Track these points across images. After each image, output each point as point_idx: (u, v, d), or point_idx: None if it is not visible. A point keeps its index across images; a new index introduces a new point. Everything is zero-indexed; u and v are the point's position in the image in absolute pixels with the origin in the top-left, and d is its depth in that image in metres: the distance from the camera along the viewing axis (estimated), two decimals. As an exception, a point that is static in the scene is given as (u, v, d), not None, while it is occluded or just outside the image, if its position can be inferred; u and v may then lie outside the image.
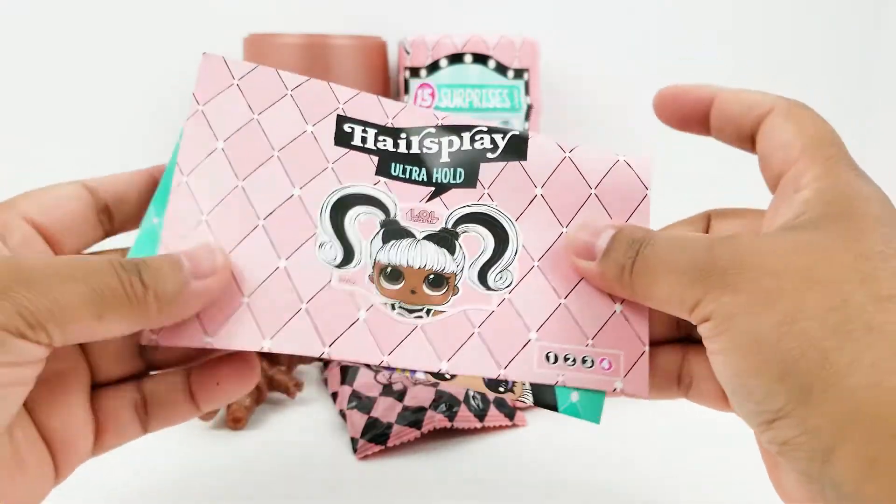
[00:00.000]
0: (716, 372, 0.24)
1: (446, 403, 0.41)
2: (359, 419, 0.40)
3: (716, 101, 0.28)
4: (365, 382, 0.43)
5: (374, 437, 0.38)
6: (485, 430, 0.41)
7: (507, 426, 0.42)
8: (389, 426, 0.39)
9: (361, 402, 0.42)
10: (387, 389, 0.43)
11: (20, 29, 0.60)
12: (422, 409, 0.40)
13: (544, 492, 0.35)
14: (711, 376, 0.27)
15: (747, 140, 0.28)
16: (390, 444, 0.38)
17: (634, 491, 0.34)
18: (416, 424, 0.39)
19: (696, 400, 0.30)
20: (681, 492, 0.34)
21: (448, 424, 0.39)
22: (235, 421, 0.41)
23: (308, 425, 0.42)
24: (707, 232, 0.29)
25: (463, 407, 0.40)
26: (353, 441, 0.39)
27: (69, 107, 0.61)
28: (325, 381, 0.48)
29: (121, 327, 0.23)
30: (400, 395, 0.42)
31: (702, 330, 0.24)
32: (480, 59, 0.52)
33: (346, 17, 0.59)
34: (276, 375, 0.45)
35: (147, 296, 0.23)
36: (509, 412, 0.42)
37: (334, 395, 0.45)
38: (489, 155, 0.30)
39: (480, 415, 0.41)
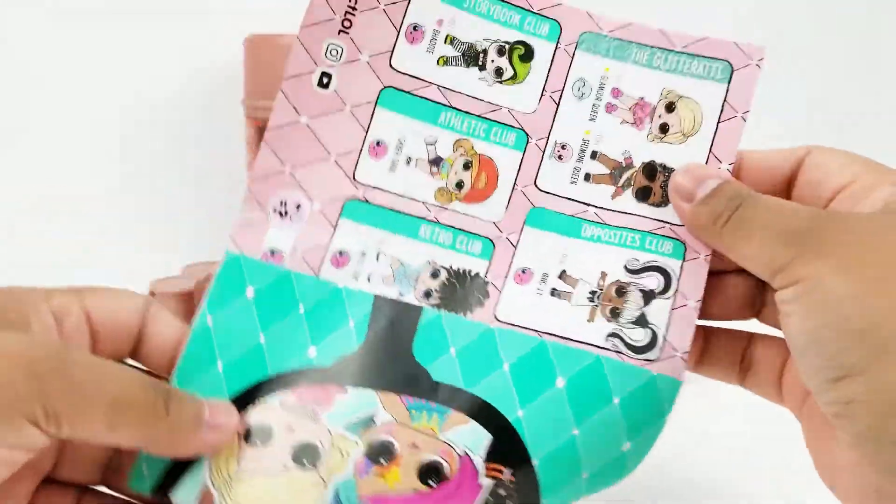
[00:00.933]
0: (788, 333, 0.24)
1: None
2: None
3: (744, 161, 0.30)
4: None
5: None
6: None
7: None
8: None
9: None
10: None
11: (19, 26, 0.60)
12: None
13: None
14: (772, 363, 0.29)
15: (782, 188, 0.29)
16: None
17: (635, 491, 0.33)
18: None
19: (751, 387, 0.30)
20: (680, 492, 0.34)
21: None
22: None
23: None
24: (798, 167, 0.29)
25: None
26: None
27: (68, 106, 0.61)
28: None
29: (125, 440, 0.23)
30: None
31: (783, 294, 0.24)
32: (482, 59, 0.51)
33: None
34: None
35: (163, 423, 0.23)
36: None
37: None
38: None
39: None
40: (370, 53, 0.31)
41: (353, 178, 0.30)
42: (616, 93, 0.31)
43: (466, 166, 0.31)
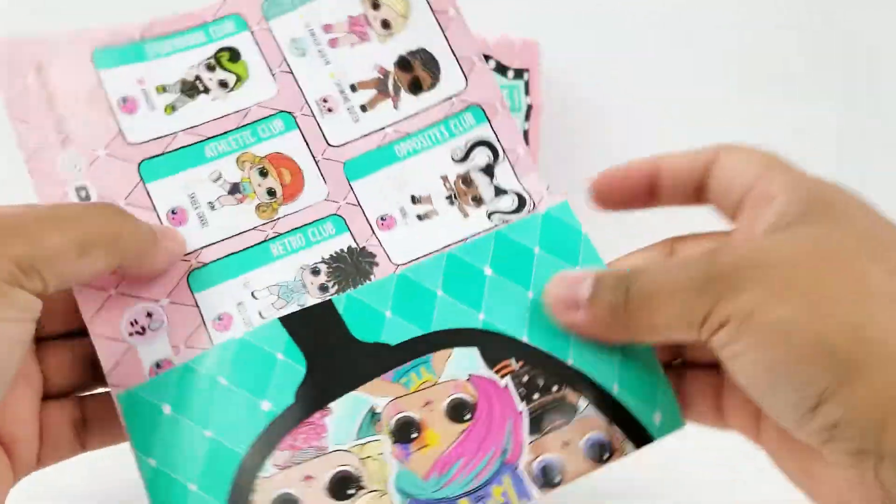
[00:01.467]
0: (739, 376, 0.23)
1: None
2: None
3: (662, 168, 0.28)
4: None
5: None
6: None
7: None
8: None
9: None
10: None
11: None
12: None
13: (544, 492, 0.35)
14: (706, 393, 0.28)
15: (697, 192, 0.28)
16: None
17: (634, 490, 0.35)
18: None
19: (694, 421, 0.29)
20: (681, 490, 0.35)
21: None
22: None
23: None
24: (708, 172, 0.28)
25: None
26: None
27: None
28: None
29: (102, 262, 0.24)
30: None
31: (717, 340, 0.23)
32: (480, 59, 0.50)
33: None
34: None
35: (123, 235, 0.25)
36: None
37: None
38: None
39: None
40: (103, 146, 0.29)
41: None
42: (327, 28, 0.32)
43: (263, 173, 0.30)
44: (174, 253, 0.28)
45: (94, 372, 0.28)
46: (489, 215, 0.30)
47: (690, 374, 0.29)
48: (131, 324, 0.27)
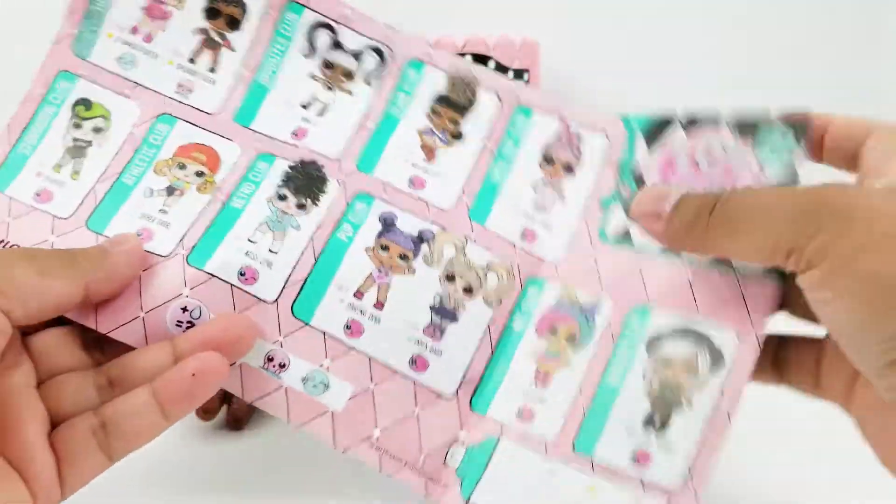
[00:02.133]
0: (828, 320, 0.23)
1: None
2: None
3: (829, 129, 0.29)
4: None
5: None
6: None
7: None
8: None
9: None
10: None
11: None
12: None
13: None
14: (805, 359, 0.28)
15: (852, 160, 0.28)
16: None
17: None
18: None
19: (790, 385, 0.29)
20: None
21: None
22: (236, 421, 0.41)
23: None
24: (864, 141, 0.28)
25: None
26: None
27: None
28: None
29: (62, 281, 0.27)
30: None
31: (809, 278, 0.23)
32: (480, 59, 0.51)
33: None
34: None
35: (80, 257, 0.28)
36: None
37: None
38: None
39: None
40: (52, 235, 0.32)
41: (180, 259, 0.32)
42: (134, 30, 0.35)
43: (181, 166, 0.33)
44: (130, 252, 0.30)
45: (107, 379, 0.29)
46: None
47: (791, 340, 0.30)
48: (177, 323, 0.31)
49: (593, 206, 0.34)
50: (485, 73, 0.36)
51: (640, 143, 0.34)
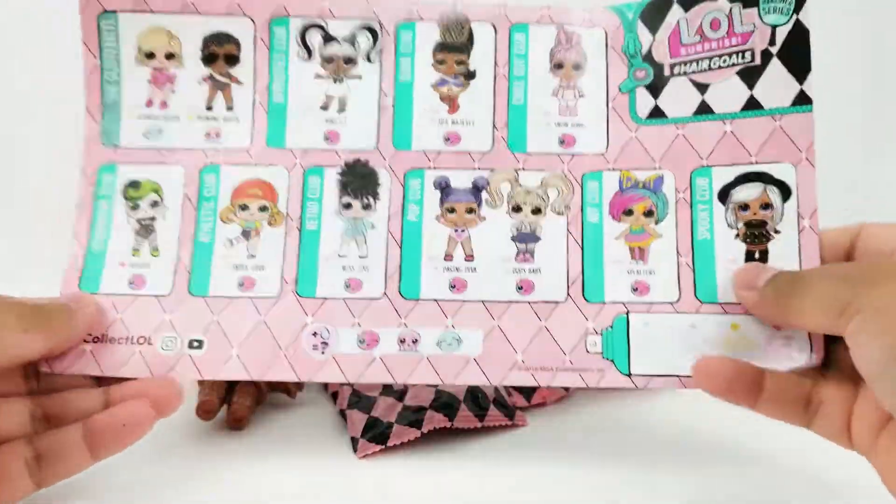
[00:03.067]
0: (860, 361, 0.26)
1: (446, 403, 0.40)
2: (359, 419, 0.40)
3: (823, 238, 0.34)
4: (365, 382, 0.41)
5: (375, 437, 0.38)
6: (485, 429, 0.40)
7: (507, 426, 0.41)
8: (390, 426, 0.38)
9: (362, 402, 0.42)
10: (387, 389, 0.43)
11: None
12: (422, 409, 0.39)
13: (544, 492, 0.34)
14: (842, 404, 0.30)
15: (844, 258, 0.33)
16: (390, 443, 0.38)
17: (634, 492, 0.34)
18: (417, 424, 0.38)
19: (818, 429, 0.31)
20: (680, 494, 0.34)
21: (448, 424, 0.39)
22: (236, 421, 0.41)
23: (308, 425, 0.42)
24: (856, 240, 0.33)
25: (463, 407, 0.40)
26: (354, 440, 0.38)
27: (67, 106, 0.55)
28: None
29: (39, 341, 0.30)
30: (400, 395, 0.42)
31: (850, 328, 0.26)
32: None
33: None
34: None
35: (53, 319, 0.31)
36: (509, 412, 0.41)
37: (334, 395, 0.45)
38: None
39: (480, 415, 0.40)
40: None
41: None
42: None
43: (244, 207, 0.36)
44: (92, 314, 0.33)
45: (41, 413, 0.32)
46: None
47: (828, 379, 0.32)
48: (314, 346, 0.34)
49: (614, 92, 0.37)
50: (471, 6, 0.37)
51: (640, 27, 0.36)
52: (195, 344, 0.34)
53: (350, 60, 0.37)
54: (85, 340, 0.34)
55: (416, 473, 0.36)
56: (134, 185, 0.36)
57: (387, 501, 0.33)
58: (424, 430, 0.38)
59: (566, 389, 0.45)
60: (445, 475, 0.35)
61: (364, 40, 0.37)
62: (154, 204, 0.36)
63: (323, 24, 0.37)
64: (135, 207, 0.35)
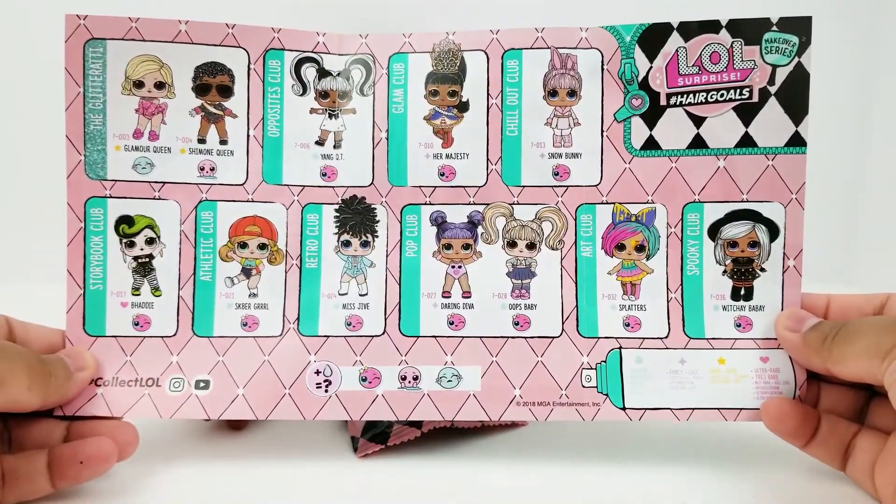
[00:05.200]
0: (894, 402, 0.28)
1: None
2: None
3: (832, 305, 0.35)
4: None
5: (375, 437, 0.38)
6: (485, 429, 0.41)
7: (507, 426, 0.41)
8: (390, 425, 0.38)
9: None
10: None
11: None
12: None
13: (544, 492, 0.34)
14: (870, 453, 0.32)
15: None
16: (390, 443, 0.38)
17: (635, 491, 0.34)
18: (417, 424, 0.38)
19: (850, 473, 0.33)
20: (681, 494, 0.34)
21: (448, 424, 0.38)
22: (236, 421, 0.41)
23: (308, 425, 0.41)
24: (881, 309, 0.34)
25: None
26: (354, 440, 0.38)
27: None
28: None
29: (36, 398, 0.31)
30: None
31: (891, 370, 0.28)
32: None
33: (343, 18, 0.58)
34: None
35: (52, 378, 0.32)
36: None
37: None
38: None
39: None
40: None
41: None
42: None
43: (243, 245, 0.36)
44: (86, 378, 0.34)
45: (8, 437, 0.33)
46: None
47: (865, 430, 0.33)
48: (317, 385, 0.35)
49: (609, 120, 0.36)
50: (462, 34, 0.37)
51: (639, 53, 0.36)
52: (202, 384, 0.35)
53: (345, 95, 0.36)
54: (96, 383, 0.34)
55: (416, 473, 0.36)
56: (127, 220, 0.35)
57: (387, 501, 0.33)
58: (424, 429, 0.38)
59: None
60: (445, 475, 0.36)
61: (358, 74, 0.36)
62: (150, 241, 0.35)
63: (318, 58, 0.36)
64: (130, 245, 0.35)
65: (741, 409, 0.34)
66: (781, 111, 0.35)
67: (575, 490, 0.34)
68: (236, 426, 0.41)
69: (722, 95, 0.35)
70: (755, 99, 0.35)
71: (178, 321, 0.35)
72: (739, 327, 0.35)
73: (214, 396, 0.34)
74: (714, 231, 0.36)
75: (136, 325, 0.35)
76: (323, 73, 0.36)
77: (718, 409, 0.35)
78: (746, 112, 0.35)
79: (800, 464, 0.36)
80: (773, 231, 0.35)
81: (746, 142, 0.35)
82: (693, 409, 0.35)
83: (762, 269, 0.35)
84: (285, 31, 0.36)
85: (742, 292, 0.36)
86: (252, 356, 0.35)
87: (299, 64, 0.36)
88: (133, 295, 0.35)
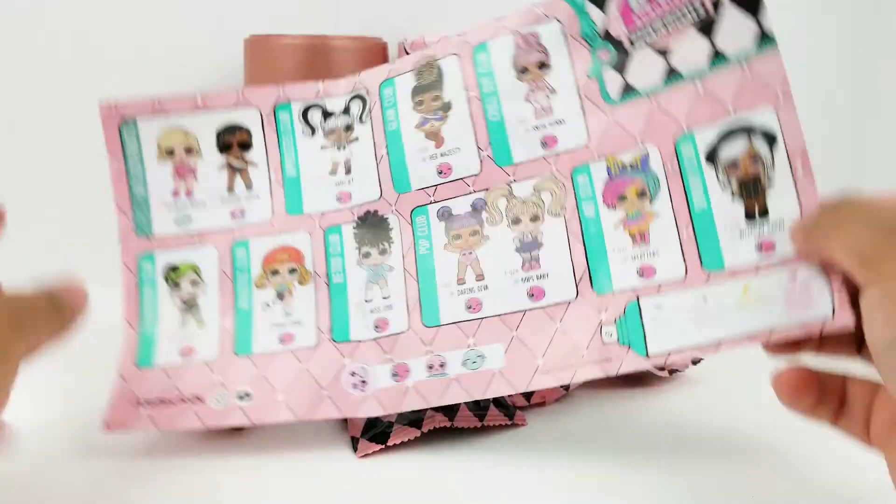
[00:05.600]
0: (870, 337, 0.25)
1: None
2: (359, 418, 0.39)
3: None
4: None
5: (375, 437, 0.38)
6: (485, 429, 0.40)
7: (506, 426, 0.41)
8: (390, 425, 0.38)
9: None
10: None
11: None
12: (422, 409, 0.38)
13: (544, 492, 0.34)
14: (863, 402, 0.29)
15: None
16: (390, 443, 0.37)
17: (635, 491, 0.34)
18: (416, 424, 0.38)
19: (843, 427, 0.30)
20: (682, 493, 0.34)
21: (448, 424, 0.39)
22: None
23: (308, 425, 0.41)
24: None
25: (463, 406, 0.40)
26: (354, 440, 0.38)
27: (66, 107, 0.59)
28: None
29: (41, 338, 0.29)
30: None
31: (869, 296, 0.25)
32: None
33: (346, 18, 0.59)
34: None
35: (55, 314, 0.29)
36: (509, 412, 0.41)
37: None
38: None
39: (480, 414, 0.40)
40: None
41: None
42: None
43: (275, 272, 0.40)
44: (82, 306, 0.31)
45: None
46: None
47: (852, 380, 0.30)
48: (353, 385, 0.37)
49: (583, 80, 0.37)
50: (435, 45, 0.40)
51: (591, 8, 0.37)
52: (244, 396, 0.37)
53: (348, 128, 0.41)
54: (139, 404, 0.37)
55: (416, 473, 0.36)
56: (174, 269, 0.40)
57: (387, 501, 0.33)
58: (424, 429, 0.38)
59: (566, 388, 0.44)
60: (445, 475, 0.36)
61: (356, 107, 0.41)
62: (194, 283, 0.40)
63: (321, 104, 0.41)
64: (176, 288, 0.39)
65: (772, 329, 0.31)
66: (738, 12, 0.34)
67: (575, 490, 0.34)
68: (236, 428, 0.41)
69: (678, 20, 0.35)
70: (710, 10, 0.35)
71: (220, 345, 0.38)
72: (762, 251, 0.33)
73: (256, 404, 0.37)
74: (712, 157, 0.34)
75: (182, 353, 0.38)
76: (327, 114, 0.41)
77: (748, 336, 0.32)
78: (706, 27, 0.35)
79: (799, 463, 0.36)
80: (771, 138, 0.33)
81: (717, 55, 0.34)
82: (720, 341, 0.32)
83: (770, 182, 0.33)
84: (288, 86, 0.41)
85: (757, 212, 0.33)
86: (290, 366, 0.38)
87: (306, 111, 0.41)
88: (180, 330, 0.39)
